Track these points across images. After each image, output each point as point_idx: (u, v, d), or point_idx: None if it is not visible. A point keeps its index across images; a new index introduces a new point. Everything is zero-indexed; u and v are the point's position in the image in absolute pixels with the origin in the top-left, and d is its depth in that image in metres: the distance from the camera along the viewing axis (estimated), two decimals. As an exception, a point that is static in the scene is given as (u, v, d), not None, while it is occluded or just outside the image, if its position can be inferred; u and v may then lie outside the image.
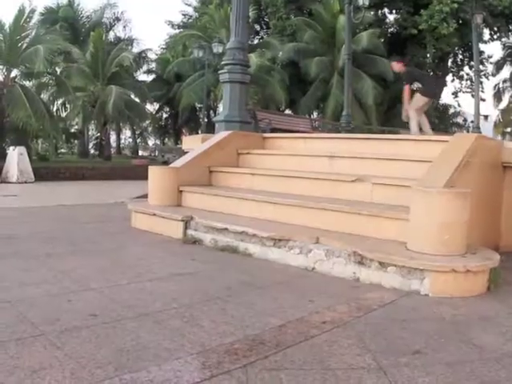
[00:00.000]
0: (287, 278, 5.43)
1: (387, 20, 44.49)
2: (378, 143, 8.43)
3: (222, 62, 11.55)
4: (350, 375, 3.03)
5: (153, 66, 50.97)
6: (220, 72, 11.72)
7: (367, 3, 23.23)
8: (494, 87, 47.81)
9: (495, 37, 43.05)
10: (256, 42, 45.29)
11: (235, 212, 7.55)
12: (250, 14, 29.89)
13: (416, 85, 11.64)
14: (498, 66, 45.56)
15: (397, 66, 12.67)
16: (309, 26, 39.42)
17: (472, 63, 39.09)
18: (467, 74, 46.19)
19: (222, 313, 4.11)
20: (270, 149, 9.73)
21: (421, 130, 11.76)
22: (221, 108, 42.16)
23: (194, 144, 10.38)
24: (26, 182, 21.46)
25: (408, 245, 5.31)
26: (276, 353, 3.31)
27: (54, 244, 6.81)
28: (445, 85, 46.62)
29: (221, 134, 9.77)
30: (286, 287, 5.05)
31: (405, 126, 28.30)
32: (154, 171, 8.78)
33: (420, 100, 11.67)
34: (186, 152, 10.13)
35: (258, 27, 48.74)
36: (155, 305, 4.31)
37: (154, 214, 7.83)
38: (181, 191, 8.45)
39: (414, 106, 11.73)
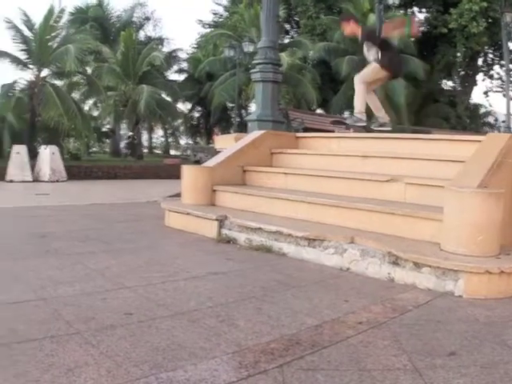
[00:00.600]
0: (322, 277, 5.44)
1: (417, 19, 44.34)
2: (411, 143, 8.37)
3: (254, 61, 11.58)
4: (386, 376, 3.03)
5: (184, 65, 51.12)
6: (252, 71, 11.78)
7: (397, 2, 23.20)
8: (525, 86, 47.25)
9: (525, 35, 42.73)
10: (287, 41, 45.24)
11: (269, 211, 7.58)
12: (280, 13, 29.86)
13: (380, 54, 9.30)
14: (529, 65, 45.08)
15: (348, 28, 10.01)
16: (338, 24, 39.24)
17: (502, 62, 38.71)
18: (498, 74, 45.85)
19: (257, 312, 4.13)
20: (303, 148, 9.72)
21: (367, 115, 10.03)
22: (252, 107, 42.02)
23: (226, 143, 10.42)
24: (58, 181, 21.68)
25: (442, 245, 5.29)
26: (312, 353, 3.32)
27: (88, 242, 6.89)
28: (475, 84, 46.28)
29: (254, 134, 9.79)
30: (321, 287, 5.05)
31: (437, 126, 28.20)
32: (187, 170, 8.81)
33: (377, 72, 9.49)
34: (219, 151, 10.17)
35: (288, 26, 48.78)
36: (190, 304, 4.33)
37: (188, 213, 7.86)
38: (214, 190, 8.48)
39: (364, 77, 9.57)
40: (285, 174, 8.52)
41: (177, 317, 3.97)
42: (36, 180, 22.10)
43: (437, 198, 5.85)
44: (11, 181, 21.43)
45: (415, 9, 43.36)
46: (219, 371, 3.04)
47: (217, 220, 7.34)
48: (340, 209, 6.71)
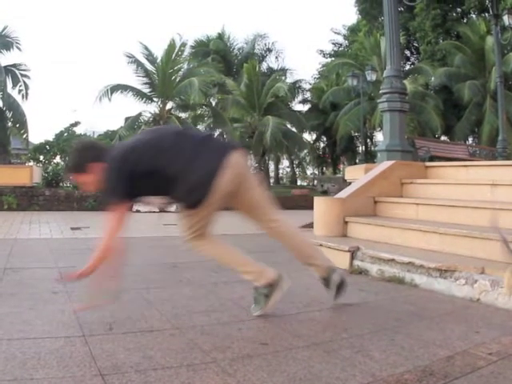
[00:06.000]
0: (453, 308, 5.40)
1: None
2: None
3: (380, 91, 11.54)
4: (514, 406, 3.02)
5: (307, 95, 51.27)
6: (379, 101, 11.78)
7: (514, 23, 22.71)
8: None
9: None
10: (407, 67, 44.98)
11: (400, 242, 7.57)
12: (400, 39, 29.78)
13: None
14: None
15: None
16: (458, 49, 38.69)
17: None
18: None
19: (391, 344, 4.14)
20: (432, 178, 9.67)
21: None
22: (377, 137, 41.83)
23: (357, 174, 10.44)
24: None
25: None
26: (444, 384, 3.34)
27: (219, 273, 6.97)
28: None
29: (384, 164, 9.80)
30: (452, 318, 5.01)
31: None
32: (319, 202, 8.96)
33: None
34: (349, 182, 10.24)
35: (408, 53, 48.48)
36: (325, 334, 4.39)
37: (321, 245, 7.83)
38: (346, 222, 8.54)
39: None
40: (416, 204, 8.46)
41: (312, 347, 4.02)
42: (162, 210, 22.62)
43: None
44: (138, 211, 22.06)
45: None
46: (355, 402, 3.08)
47: (349, 251, 7.39)
48: (471, 239, 6.61)
